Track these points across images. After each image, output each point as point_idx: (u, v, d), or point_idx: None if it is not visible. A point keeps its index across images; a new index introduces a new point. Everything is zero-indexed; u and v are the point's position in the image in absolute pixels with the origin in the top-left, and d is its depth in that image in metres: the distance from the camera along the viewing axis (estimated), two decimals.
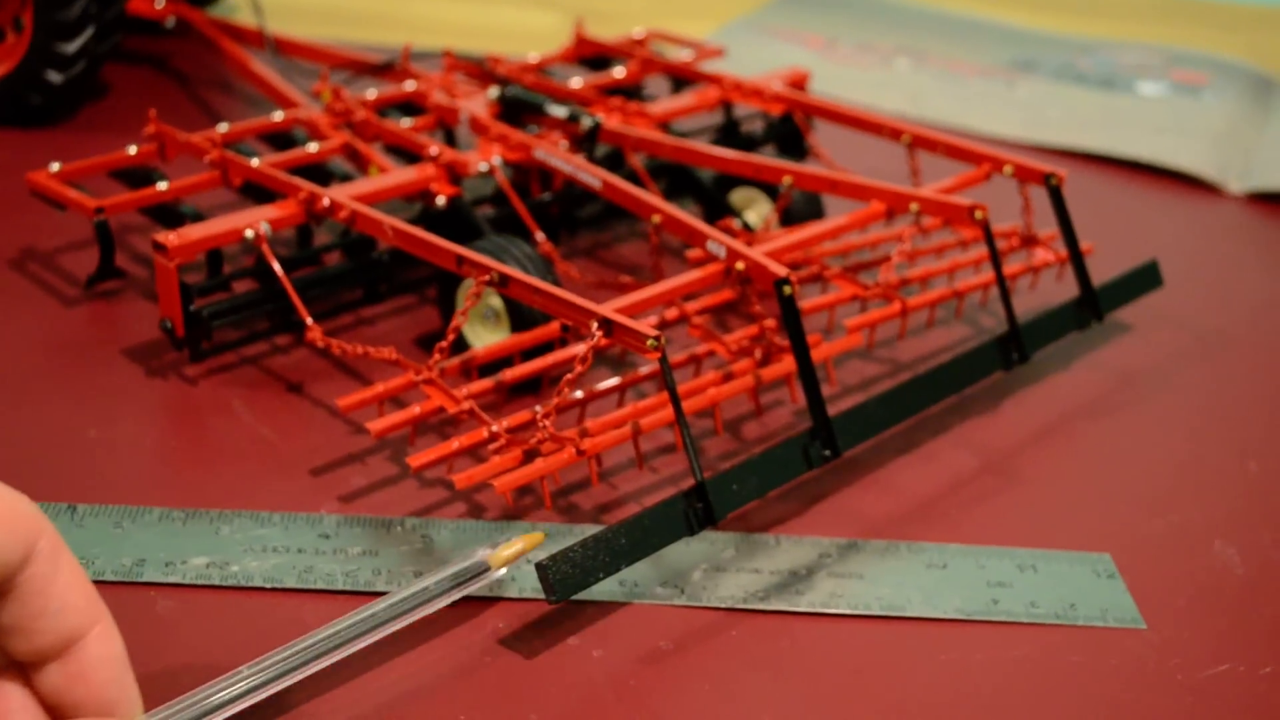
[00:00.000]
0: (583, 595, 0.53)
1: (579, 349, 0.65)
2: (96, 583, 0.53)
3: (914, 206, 0.70)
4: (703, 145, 0.78)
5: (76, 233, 0.79)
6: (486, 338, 0.68)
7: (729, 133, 0.90)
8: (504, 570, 0.52)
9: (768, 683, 0.52)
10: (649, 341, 0.55)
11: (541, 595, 0.53)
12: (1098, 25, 1.38)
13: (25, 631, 0.40)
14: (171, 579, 0.54)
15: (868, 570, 0.58)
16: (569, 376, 0.56)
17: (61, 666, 0.41)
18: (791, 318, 0.59)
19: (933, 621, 0.55)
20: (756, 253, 0.63)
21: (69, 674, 0.41)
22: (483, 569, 0.51)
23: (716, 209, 0.83)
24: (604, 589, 0.54)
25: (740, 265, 0.63)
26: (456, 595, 0.51)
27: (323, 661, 0.48)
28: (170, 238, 0.65)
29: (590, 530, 0.58)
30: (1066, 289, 0.78)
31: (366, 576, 0.55)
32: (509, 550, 0.52)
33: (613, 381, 0.63)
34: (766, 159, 0.76)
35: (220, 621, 0.52)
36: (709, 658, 0.52)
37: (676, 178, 0.84)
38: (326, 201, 0.68)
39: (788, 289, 0.59)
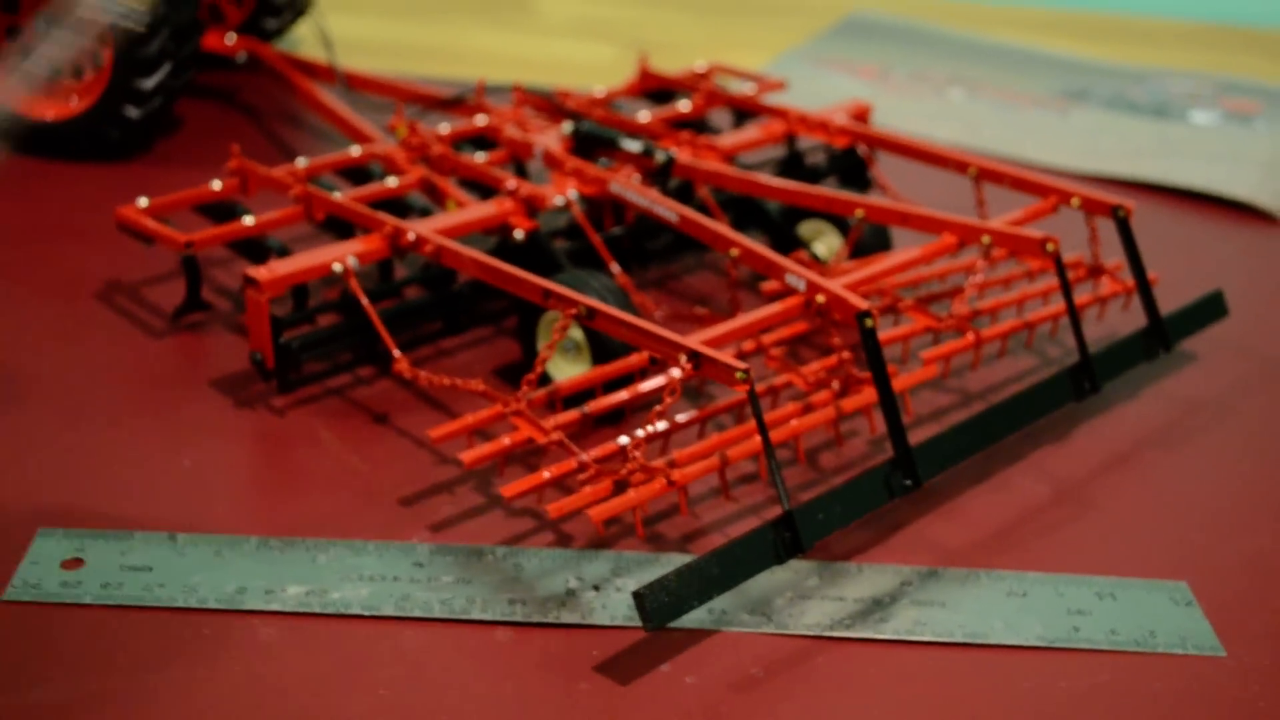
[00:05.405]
0: (673, 622, 0.54)
1: (660, 381, 0.66)
2: (201, 610, 0.55)
3: (986, 239, 0.71)
4: (775, 179, 0.79)
5: (158, 265, 0.81)
6: (566, 369, 0.69)
7: (793, 165, 0.91)
8: None
9: (858, 710, 0.53)
10: (738, 375, 0.56)
11: (632, 623, 0.54)
12: (1148, 54, 1.38)
13: None
14: (272, 606, 0.55)
15: (949, 598, 0.59)
16: (658, 408, 0.58)
17: None
18: (873, 350, 0.60)
19: (1015, 649, 0.56)
20: (837, 285, 0.64)
21: None
22: None
23: (784, 241, 0.84)
24: (693, 616, 0.56)
25: (821, 298, 0.64)
26: None
27: None
28: (262, 272, 0.67)
29: (676, 559, 0.59)
30: (1126, 318, 0.79)
31: (461, 604, 0.56)
32: None
33: (693, 413, 0.65)
34: (839, 192, 0.77)
35: (323, 649, 0.54)
36: (799, 684, 0.54)
37: (743, 210, 0.85)
38: (412, 236, 0.69)
39: (869, 322, 0.61)
